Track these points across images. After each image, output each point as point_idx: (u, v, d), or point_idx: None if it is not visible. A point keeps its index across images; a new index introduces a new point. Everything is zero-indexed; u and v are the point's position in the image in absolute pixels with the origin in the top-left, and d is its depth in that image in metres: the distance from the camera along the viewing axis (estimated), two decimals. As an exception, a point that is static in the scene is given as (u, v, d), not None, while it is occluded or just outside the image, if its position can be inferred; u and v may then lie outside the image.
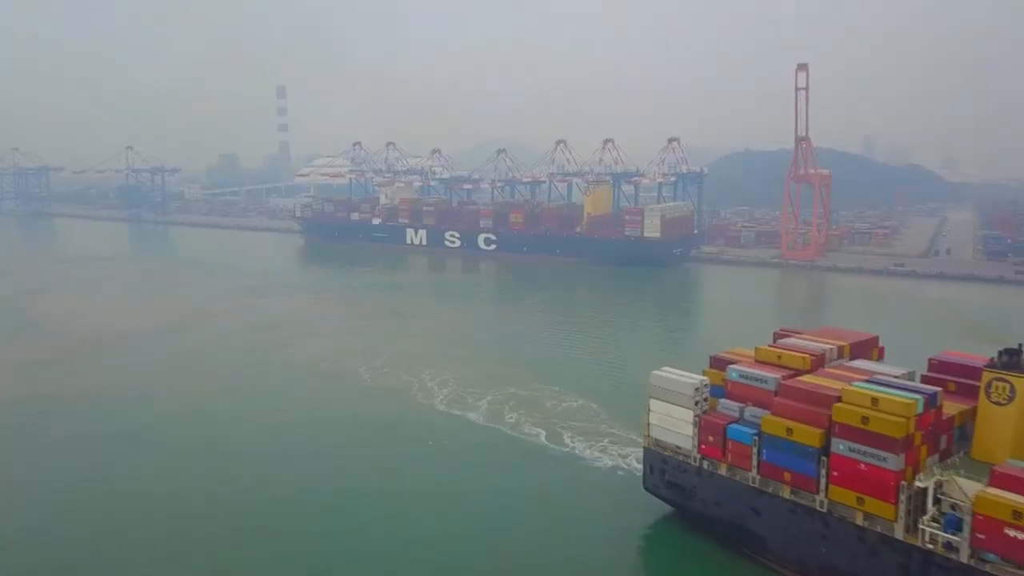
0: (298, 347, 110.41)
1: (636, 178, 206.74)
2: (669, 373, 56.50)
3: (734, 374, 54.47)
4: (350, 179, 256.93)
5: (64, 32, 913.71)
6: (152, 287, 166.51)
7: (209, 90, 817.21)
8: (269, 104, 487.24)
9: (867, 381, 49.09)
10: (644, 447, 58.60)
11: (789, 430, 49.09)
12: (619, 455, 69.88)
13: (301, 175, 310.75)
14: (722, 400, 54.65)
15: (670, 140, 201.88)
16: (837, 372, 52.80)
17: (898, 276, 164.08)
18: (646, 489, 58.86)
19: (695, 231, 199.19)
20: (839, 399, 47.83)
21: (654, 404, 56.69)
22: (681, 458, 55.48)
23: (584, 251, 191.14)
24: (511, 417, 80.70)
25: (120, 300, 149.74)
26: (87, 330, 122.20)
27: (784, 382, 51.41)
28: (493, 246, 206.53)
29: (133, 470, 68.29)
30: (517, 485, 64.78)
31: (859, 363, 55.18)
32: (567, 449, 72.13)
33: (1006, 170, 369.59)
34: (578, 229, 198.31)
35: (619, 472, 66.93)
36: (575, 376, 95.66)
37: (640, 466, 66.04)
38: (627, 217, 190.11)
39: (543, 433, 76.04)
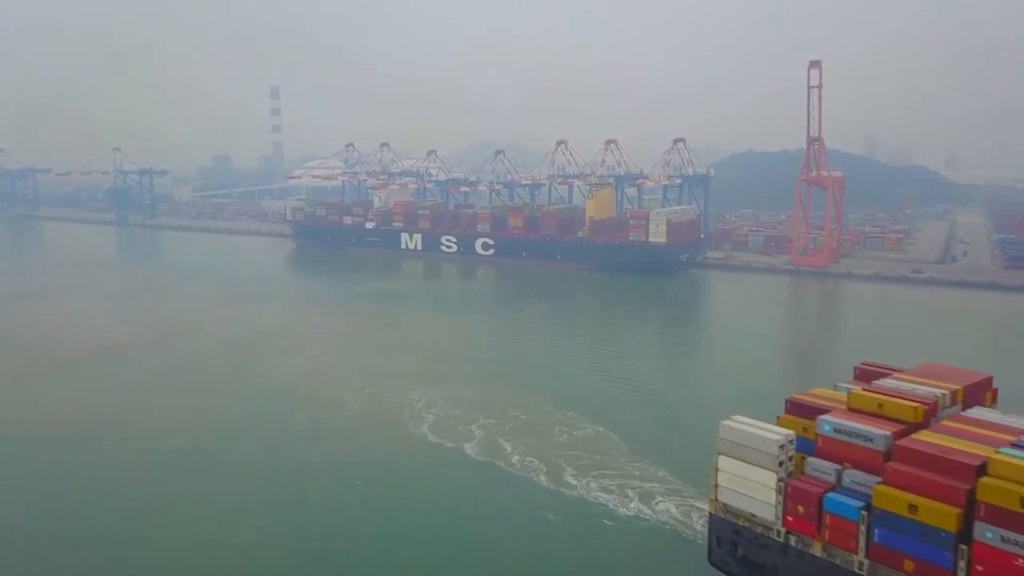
0: (279, 365, 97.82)
1: (640, 180, 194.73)
2: (743, 424, 44.30)
3: (826, 427, 42.36)
4: (343, 181, 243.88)
5: (56, 31, 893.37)
6: (129, 295, 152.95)
7: (203, 90, 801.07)
8: (263, 104, 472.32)
9: (1016, 446, 37.16)
10: (710, 512, 46.42)
11: (912, 507, 37.02)
12: (648, 504, 57.74)
13: (292, 177, 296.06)
14: (811, 459, 42.57)
15: (675, 141, 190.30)
16: (960, 427, 40.84)
17: (918, 284, 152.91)
18: (712, 564, 46.72)
19: (701, 235, 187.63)
20: (983, 470, 35.91)
21: (724, 462, 44.51)
22: (760, 530, 43.36)
23: (586, 257, 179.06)
24: (515, 452, 68.48)
25: (93, 310, 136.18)
26: (50, 344, 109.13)
27: (900, 443, 39.35)
28: (491, 251, 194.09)
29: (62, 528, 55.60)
30: (536, 548, 52.51)
31: (980, 413, 43.31)
32: (586, 494, 59.85)
33: (1009, 170, 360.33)
34: (580, 234, 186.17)
35: (643, 521, 54.90)
36: (586, 398, 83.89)
37: (668, 518, 54.66)
38: (631, 221, 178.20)
39: (555, 473, 63.83)
